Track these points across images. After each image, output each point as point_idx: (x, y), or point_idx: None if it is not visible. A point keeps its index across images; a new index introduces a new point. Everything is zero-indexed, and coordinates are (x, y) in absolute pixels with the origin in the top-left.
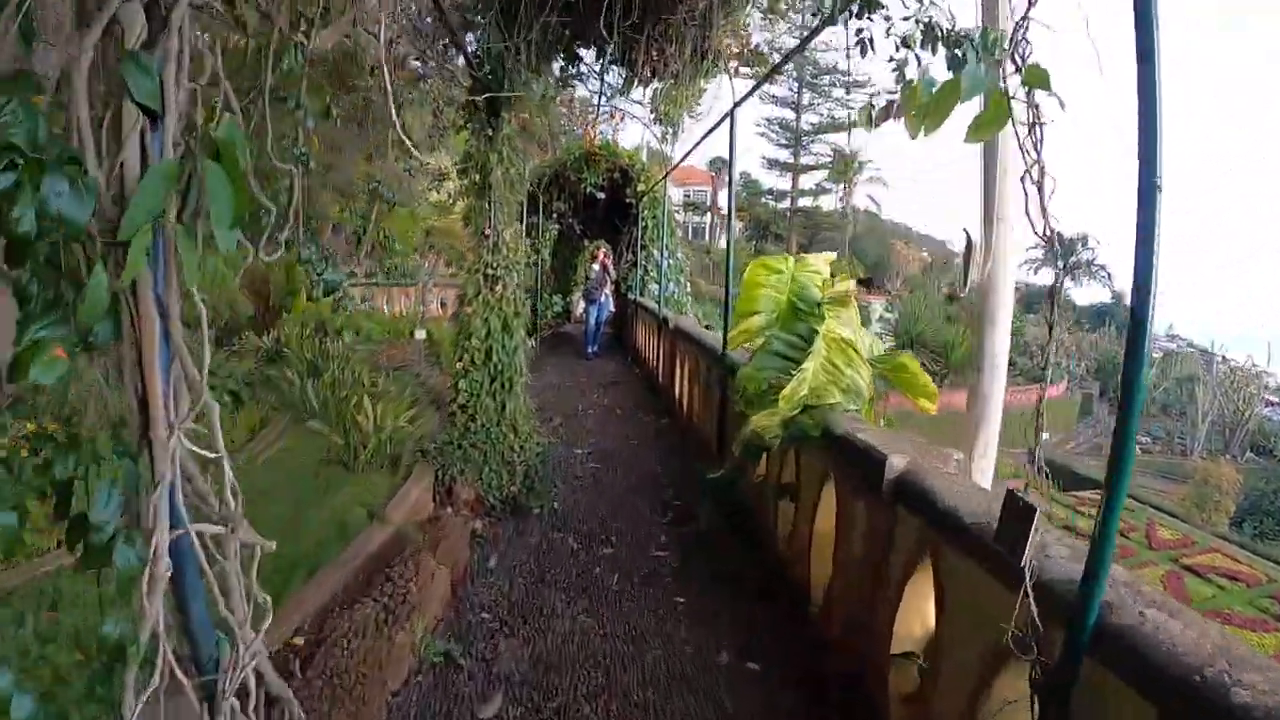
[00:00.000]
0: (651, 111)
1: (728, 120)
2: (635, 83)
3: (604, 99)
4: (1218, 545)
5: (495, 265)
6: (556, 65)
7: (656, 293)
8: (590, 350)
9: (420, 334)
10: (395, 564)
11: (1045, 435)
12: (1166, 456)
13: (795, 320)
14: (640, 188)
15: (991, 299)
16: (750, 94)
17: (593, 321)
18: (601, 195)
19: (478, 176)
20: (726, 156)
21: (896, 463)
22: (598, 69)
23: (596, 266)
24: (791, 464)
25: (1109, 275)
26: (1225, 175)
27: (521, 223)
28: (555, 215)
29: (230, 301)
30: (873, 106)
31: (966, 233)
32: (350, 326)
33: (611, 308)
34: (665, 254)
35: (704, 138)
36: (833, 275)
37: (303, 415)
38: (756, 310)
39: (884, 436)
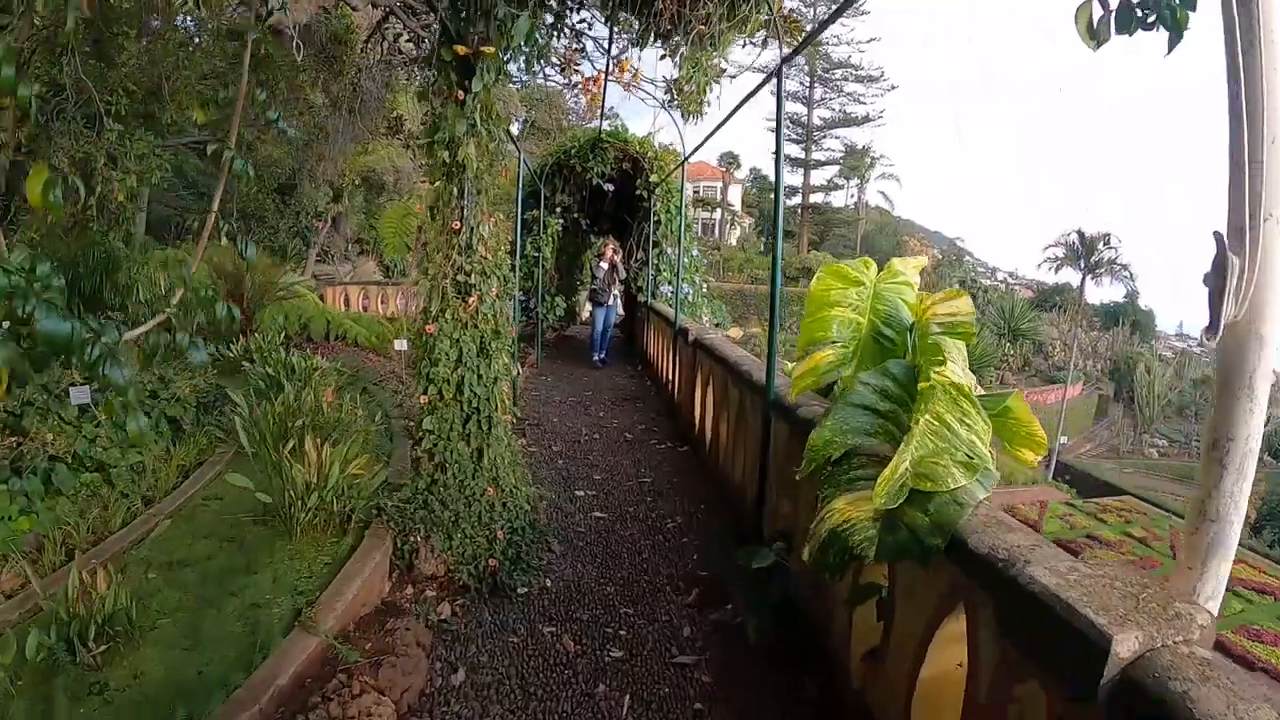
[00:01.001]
0: (668, 90)
1: (768, 85)
2: (651, 37)
3: (611, 56)
4: (1242, 556)
5: (469, 270)
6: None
7: (669, 294)
8: (596, 358)
9: (402, 344)
10: (316, 703)
11: (1063, 439)
12: (1184, 460)
13: (880, 352)
14: (653, 178)
15: (1251, 351)
16: (806, 43)
17: (600, 325)
18: (610, 187)
19: (445, 154)
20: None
21: (1124, 647)
22: (603, 17)
23: (604, 264)
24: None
25: (1131, 275)
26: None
27: (517, 215)
28: (559, 209)
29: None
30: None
31: (1218, 239)
32: (337, 331)
33: (620, 310)
34: (680, 251)
35: (747, 98)
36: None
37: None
38: (828, 338)
39: (1079, 574)
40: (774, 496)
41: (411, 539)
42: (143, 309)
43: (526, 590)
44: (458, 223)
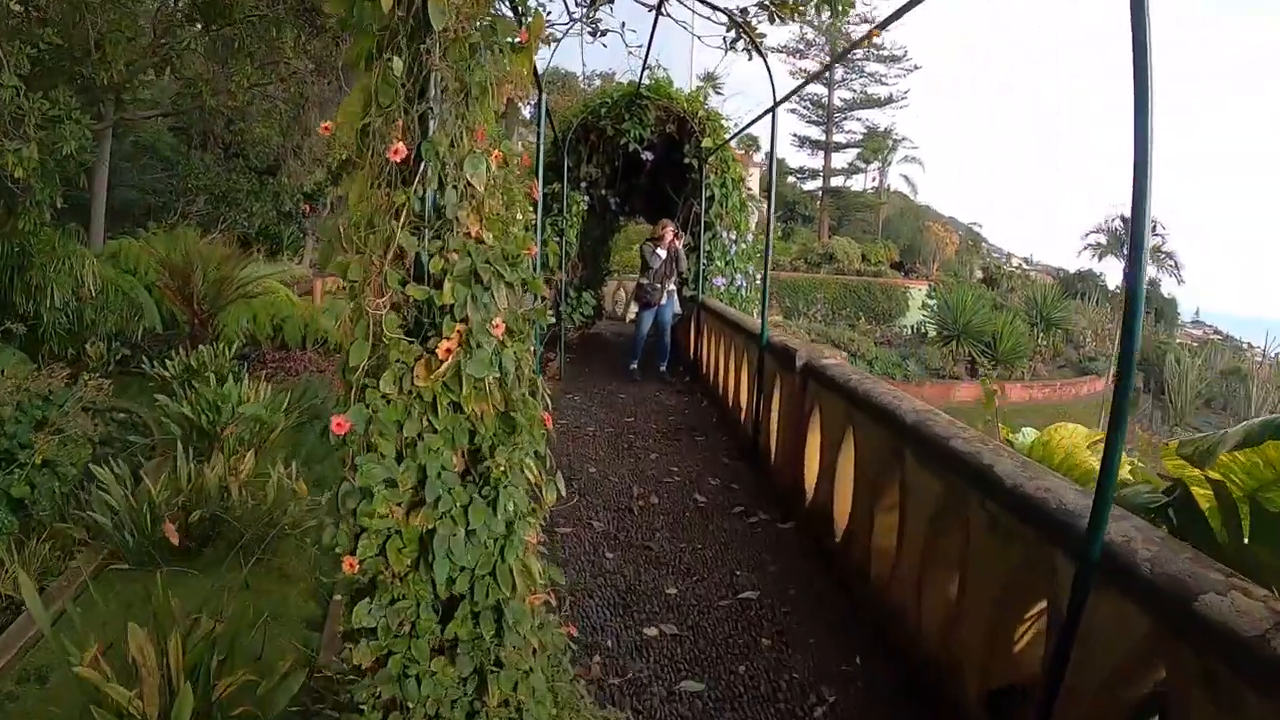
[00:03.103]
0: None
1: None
2: None
3: None
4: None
5: (448, 264)
6: None
7: (722, 288)
8: (632, 364)
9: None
10: None
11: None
12: None
13: None
14: (705, 143)
15: None
16: (807, 83)
17: (645, 329)
18: (649, 156)
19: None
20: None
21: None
22: None
23: (662, 252)
24: None
25: (1177, 264)
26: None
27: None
28: (584, 183)
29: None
30: None
31: None
32: (317, 334)
33: (678, 308)
34: (734, 235)
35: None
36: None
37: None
38: None
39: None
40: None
41: None
42: (59, 315)
43: None
44: (402, 145)
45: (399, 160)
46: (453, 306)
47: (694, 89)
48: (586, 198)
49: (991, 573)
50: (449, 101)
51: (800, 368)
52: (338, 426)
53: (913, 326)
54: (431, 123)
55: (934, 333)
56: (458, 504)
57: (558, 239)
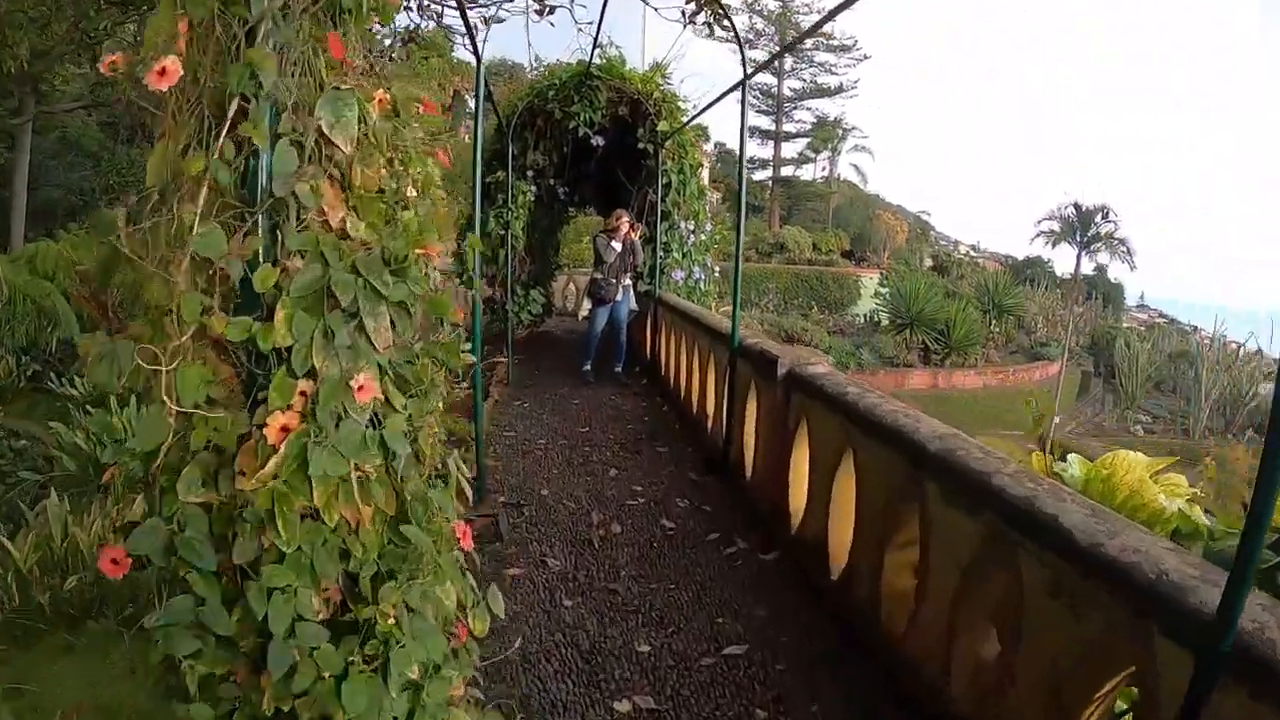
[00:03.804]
0: None
1: None
2: None
3: None
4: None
5: (283, 279)
6: None
7: (680, 281)
8: (585, 365)
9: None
10: None
11: (1055, 419)
12: (1171, 438)
13: None
14: (661, 127)
15: None
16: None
17: (598, 327)
18: (600, 141)
19: None
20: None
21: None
22: None
23: (617, 245)
24: None
25: (1129, 250)
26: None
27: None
28: (530, 172)
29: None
30: None
31: None
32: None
33: (634, 304)
34: (693, 225)
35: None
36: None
37: None
38: None
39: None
40: None
41: None
42: None
43: None
44: (170, 63)
45: (155, 83)
46: (291, 351)
47: (649, 69)
48: (534, 187)
49: (1052, 642)
50: (295, 5)
51: (783, 377)
52: (111, 566)
53: (865, 315)
54: (260, 34)
55: (887, 321)
56: (326, 675)
57: (503, 231)
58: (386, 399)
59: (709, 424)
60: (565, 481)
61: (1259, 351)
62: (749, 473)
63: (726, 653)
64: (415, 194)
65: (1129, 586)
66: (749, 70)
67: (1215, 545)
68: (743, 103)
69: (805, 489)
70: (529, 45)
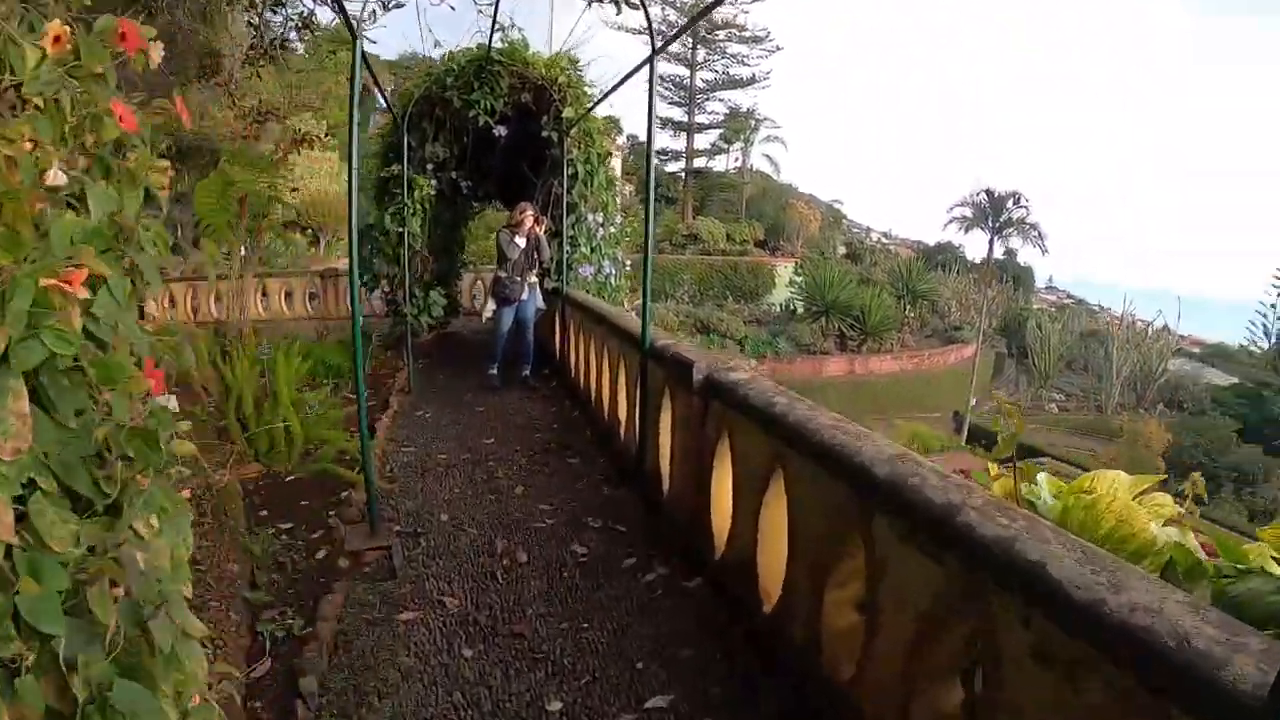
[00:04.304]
0: None
1: None
2: None
3: None
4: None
5: None
6: None
7: (589, 277)
8: (491, 369)
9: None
10: None
11: (972, 400)
12: (1085, 414)
13: None
14: (566, 113)
15: None
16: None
17: (505, 327)
18: (502, 131)
19: None
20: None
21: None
22: None
23: (520, 240)
24: None
25: (1040, 235)
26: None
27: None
28: (430, 165)
29: None
30: None
31: None
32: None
33: (541, 303)
34: (601, 217)
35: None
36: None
37: None
38: None
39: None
40: None
41: None
42: None
43: None
44: None
45: None
46: None
47: (554, 52)
48: (434, 181)
49: (1038, 710)
50: None
51: (699, 384)
52: None
53: (781, 304)
54: None
55: (802, 309)
56: None
57: (400, 230)
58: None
59: (621, 431)
60: (467, 503)
61: (1165, 328)
62: (666, 486)
63: (650, 706)
64: (103, 181)
65: (1141, 656)
66: (656, 45)
67: (1231, 590)
68: (650, 80)
69: (729, 507)
70: (421, 29)
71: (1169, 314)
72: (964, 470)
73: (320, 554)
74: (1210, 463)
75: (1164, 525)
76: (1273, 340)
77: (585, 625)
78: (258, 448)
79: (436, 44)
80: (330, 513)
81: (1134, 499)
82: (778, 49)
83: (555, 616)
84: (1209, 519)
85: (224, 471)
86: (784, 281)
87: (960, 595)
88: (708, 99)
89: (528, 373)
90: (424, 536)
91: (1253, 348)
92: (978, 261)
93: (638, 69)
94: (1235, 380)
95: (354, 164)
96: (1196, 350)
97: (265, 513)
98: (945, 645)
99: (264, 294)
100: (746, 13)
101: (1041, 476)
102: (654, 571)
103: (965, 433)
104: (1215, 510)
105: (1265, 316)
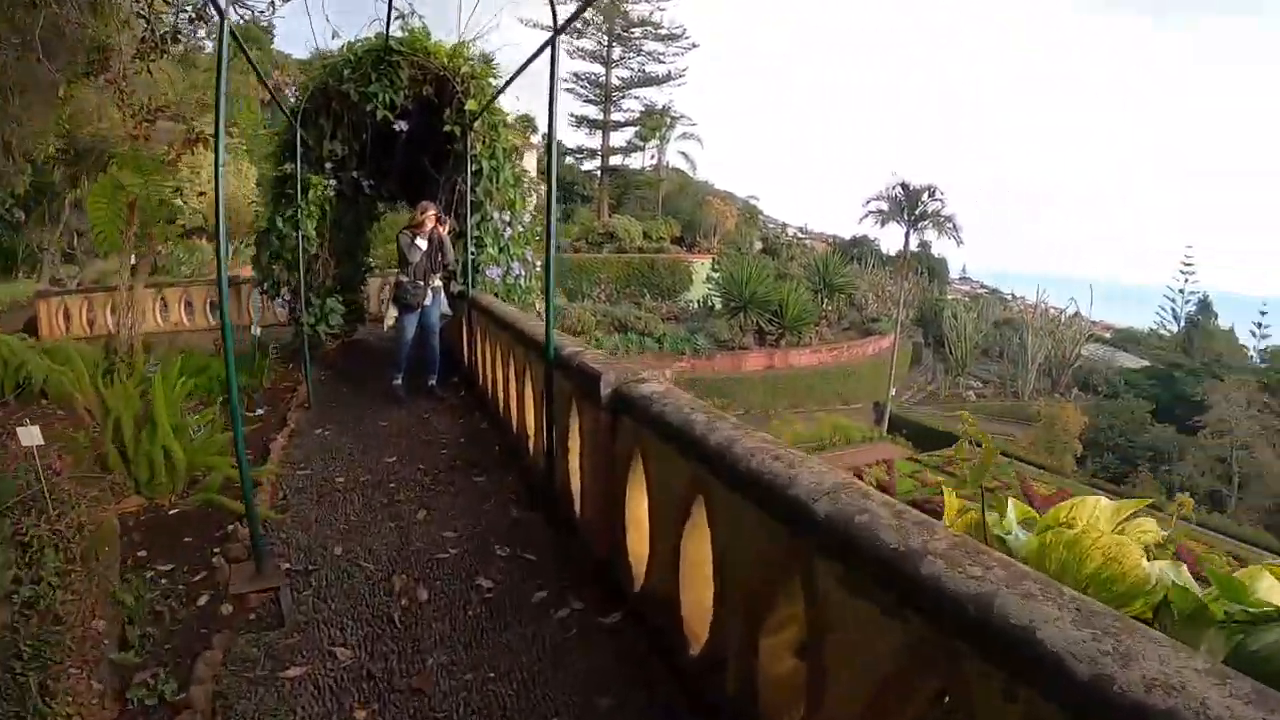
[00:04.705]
0: None
1: None
2: None
3: None
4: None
5: None
6: None
7: (497, 279)
8: (397, 380)
9: (30, 436)
10: None
11: (892, 390)
12: (1003, 400)
13: None
14: (469, 106)
15: None
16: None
17: (409, 335)
18: (403, 126)
19: None
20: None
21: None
22: None
23: (422, 243)
24: None
25: (955, 227)
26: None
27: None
28: (329, 163)
29: None
30: None
31: None
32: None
33: (447, 308)
34: (509, 216)
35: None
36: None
37: None
38: None
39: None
40: None
41: None
42: None
43: None
44: None
45: None
46: None
47: (457, 42)
48: (334, 181)
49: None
50: None
51: (608, 397)
52: None
53: (699, 300)
54: None
55: (720, 305)
56: None
57: (295, 232)
58: None
59: (530, 444)
60: (365, 533)
61: (1077, 314)
62: (579, 506)
63: None
64: None
65: None
66: (559, 24)
67: (1251, 644)
68: (553, 61)
69: (647, 534)
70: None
71: (1080, 299)
72: (887, 460)
73: (202, 600)
74: (1126, 443)
75: (1149, 549)
76: (1182, 324)
77: (492, 675)
78: (138, 477)
79: (335, 34)
80: (215, 550)
81: (1114, 530)
82: (693, 46)
83: (459, 666)
84: (1155, 508)
85: (102, 507)
86: (701, 278)
87: (927, 666)
88: (624, 97)
89: (434, 382)
90: (315, 574)
91: (1162, 331)
92: (893, 254)
93: (540, 50)
94: (1147, 363)
95: (220, 158)
96: (1108, 335)
97: (144, 552)
98: (910, 706)
99: (164, 304)
100: (663, 10)
101: (1011, 506)
102: (567, 606)
103: (886, 423)
104: (1136, 490)
105: (1173, 301)
